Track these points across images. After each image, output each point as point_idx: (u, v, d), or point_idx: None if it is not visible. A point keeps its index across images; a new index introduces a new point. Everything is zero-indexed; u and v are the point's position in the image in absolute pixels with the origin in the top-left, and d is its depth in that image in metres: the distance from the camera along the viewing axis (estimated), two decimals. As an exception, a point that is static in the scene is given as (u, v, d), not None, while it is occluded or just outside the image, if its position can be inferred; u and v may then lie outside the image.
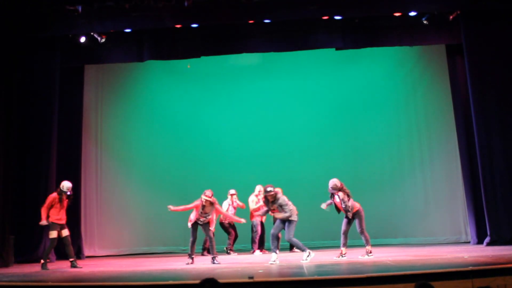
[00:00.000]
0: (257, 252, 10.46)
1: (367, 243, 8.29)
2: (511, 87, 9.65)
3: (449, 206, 11.51)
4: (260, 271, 6.62)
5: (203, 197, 8.40)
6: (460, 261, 6.84)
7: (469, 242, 10.58)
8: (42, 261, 8.35)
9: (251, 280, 5.35)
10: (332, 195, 8.36)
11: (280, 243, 9.07)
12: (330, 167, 11.47)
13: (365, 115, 12.41)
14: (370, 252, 8.23)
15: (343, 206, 8.25)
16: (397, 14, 10.09)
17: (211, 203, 8.48)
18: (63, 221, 8.55)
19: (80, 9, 9.71)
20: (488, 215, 9.45)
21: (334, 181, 8.28)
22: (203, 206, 8.43)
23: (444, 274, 5.35)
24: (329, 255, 8.70)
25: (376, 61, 12.34)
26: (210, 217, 8.67)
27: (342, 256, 8.30)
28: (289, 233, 7.94)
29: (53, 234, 8.46)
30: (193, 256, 8.60)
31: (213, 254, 8.52)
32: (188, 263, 8.41)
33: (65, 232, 8.55)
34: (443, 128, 11.68)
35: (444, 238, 11.40)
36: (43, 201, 9.03)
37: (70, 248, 8.60)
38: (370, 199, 11.20)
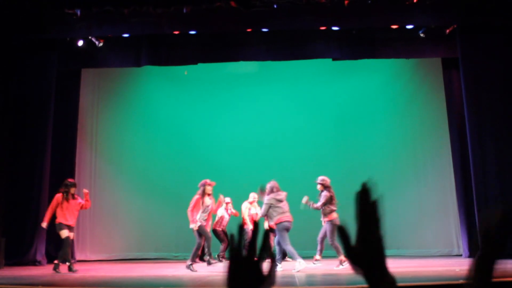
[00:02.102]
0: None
1: (339, 253, 8.32)
2: (506, 102, 9.72)
3: (442, 219, 11.54)
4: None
5: (208, 187, 8.33)
6: (451, 274, 6.85)
7: (461, 255, 10.61)
8: (67, 263, 8.16)
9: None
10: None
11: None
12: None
13: (360, 127, 12.44)
14: (345, 261, 8.28)
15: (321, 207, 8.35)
16: (394, 27, 10.16)
17: (209, 194, 8.46)
18: (71, 223, 8.35)
19: (79, 13, 9.74)
20: (480, 229, 9.47)
21: (323, 177, 8.46)
22: (204, 195, 8.33)
23: (435, 286, 5.37)
24: (325, 265, 8.68)
25: (373, 73, 12.39)
26: (210, 209, 8.55)
27: (314, 263, 8.36)
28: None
29: (64, 233, 8.20)
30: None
31: (192, 260, 8.24)
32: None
33: (71, 236, 8.43)
34: (437, 142, 11.73)
35: (436, 250, 11.41)
36: (36, 204, 8.97)
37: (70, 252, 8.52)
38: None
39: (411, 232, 11.70)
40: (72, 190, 8.46)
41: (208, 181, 8.40)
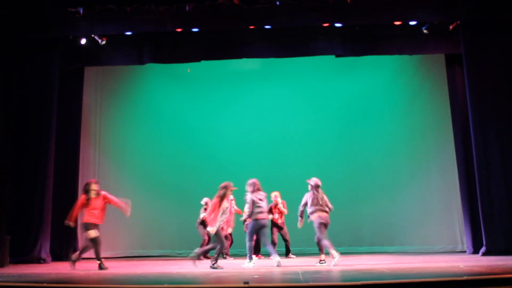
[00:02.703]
0: (253, 257, 10.44)
1: (321, 252, 8.38)
2: (510, 98, 9.68)
3: (445, 216, 11.54)
4: (255, 276, 6.62)
5: (229, 191, 8.28)
6: (455, 270, 6.84)
7: (465, 252, 10.61)
8: (73, 257, 8.33)
9: (246, 285, 5.36)
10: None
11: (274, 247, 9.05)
12: (328, 174, 11.44)
13: (364, 124, 12.43)
14: (323, 260, 8.30)
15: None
16: (397, 23, 10.14)
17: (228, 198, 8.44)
18: (97, 221, 8.30)
19: (81, 11, 9.75)
20: (484, 226, 9.47)
21: (311, 179, 8.50)
22: (224, 198, 8.26)
23: (439, 283, 5.36)
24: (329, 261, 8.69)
25: (376, 69, 12.38)
26: (228, 211, 8.50)
27: (319, 263, 8.36)
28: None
29: (92, 233, 8.19)
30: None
31: (200, 256, 8.29)
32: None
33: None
34: (441, 138, 11.71)
35: (440, 247, 11.42)
36: (40, 202, 8.92)
37: (83, 251, 8.54)
38: (367, 207, 11.23)
39: (415, 229, 11.71)
40: (94, 187, 8.44)
41: (232, 185, 8.32)
